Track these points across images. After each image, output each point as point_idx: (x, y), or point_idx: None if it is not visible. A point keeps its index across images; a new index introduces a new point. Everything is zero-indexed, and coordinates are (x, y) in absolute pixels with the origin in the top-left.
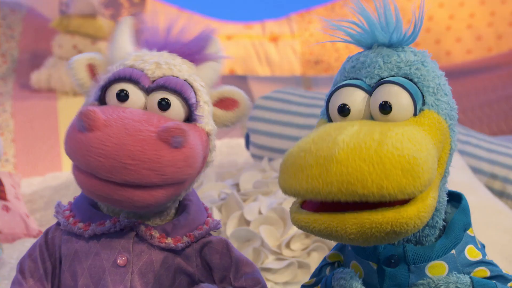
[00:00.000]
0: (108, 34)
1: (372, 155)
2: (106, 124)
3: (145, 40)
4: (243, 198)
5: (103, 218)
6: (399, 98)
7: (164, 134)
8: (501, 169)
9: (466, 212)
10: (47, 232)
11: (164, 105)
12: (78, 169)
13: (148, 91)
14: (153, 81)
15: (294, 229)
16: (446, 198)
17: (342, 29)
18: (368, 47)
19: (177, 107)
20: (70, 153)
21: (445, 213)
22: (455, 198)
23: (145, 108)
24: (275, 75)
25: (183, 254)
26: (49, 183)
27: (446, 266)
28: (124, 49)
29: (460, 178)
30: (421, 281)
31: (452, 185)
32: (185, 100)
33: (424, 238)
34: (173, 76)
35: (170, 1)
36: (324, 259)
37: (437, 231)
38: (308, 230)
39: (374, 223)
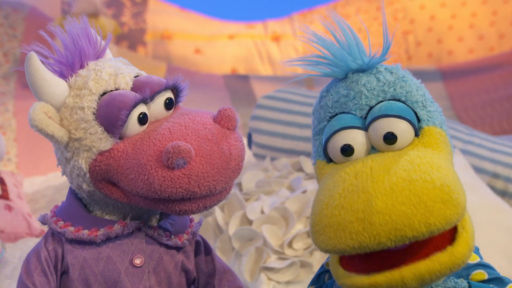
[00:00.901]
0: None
1: (409, 195)
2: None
3: (68, 59)
4: (245, 197)
5: (107, 223)
6: (401, 127)
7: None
8: (503, 169)
9: None
10: (45, 244)
11: (168, 103)
12: (187, 200)
13: (148, 101)
14: (131, 89)
15: (296, 228)
16: None
17: (320, 70)
18: (342, 76)
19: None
20: (178, 192)
21: None
22: None
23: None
24: (277, 75)
25: (185, 252)
26: (51, 182)
27: None
28: (58, 83)
29: (463, 178)
30: None
31: None
32: (176, 89)
33: None
34: (138, 75)
35: (172, 1)
36: (322, 266)
37: None
38: None
39: (433, 272)
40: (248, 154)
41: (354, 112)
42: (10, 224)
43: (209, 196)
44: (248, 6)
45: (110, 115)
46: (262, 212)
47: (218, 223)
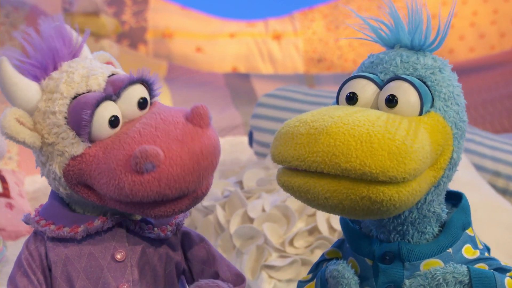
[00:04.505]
0: (111, 32)
1: (363, 133)
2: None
3: (40, 61)
4: (246, 195)
5: (88, 220)
6: (407, 95)
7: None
8: (504, 167)
9: (465, 212)
10: (27, 245)
11: (142, 103)
12: (159, 203)
13: (114, 97)
14: (104, 89)
15: (297, 227)
16: (440, 209)
17: (370, 26)
18: (391, 47)
19: (146, 95)
20: (146, 195)
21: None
22: (455, 198)
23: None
24: (278, 73)
25: (170, 243)
26: None
27: (442, 264)
28: (29, 87)
29: (464, 176)
30: (419, 272)
31: (456, 183)
32: (147, 83)
33: (413, 240)
34: (113, 74)
35: None
36: (322, 255)
37: (428, 236)
38: (288, 187)
39: (351, 184)
40: (249, 153)
41: (378, 74)
42: (11, 222)
43: (182, 198)
44: (249, 5)
45: (77, 118)
46: (263, 210)
47: (219, 221)
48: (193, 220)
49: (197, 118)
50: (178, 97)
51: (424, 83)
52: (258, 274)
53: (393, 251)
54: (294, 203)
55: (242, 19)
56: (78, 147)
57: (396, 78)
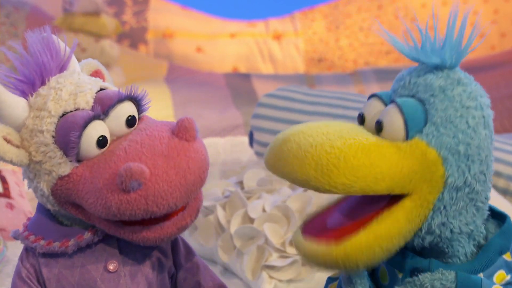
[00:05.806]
0: (111, 32)
1: (307, 144)
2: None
3: (28, 77)
4: (247, 196)
5: (77, 232)
6: (393, 120)
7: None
8: (505, 167)
9: (506, 235)
10: (21, 262)
11: (130, 120)
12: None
13: (102, 117)
14: (92, 108)
15: (297, 227)
16: (459, 230)
17: (393, 42)
18: (416, 61)
19: (135, 112)
20: (133, 214)
21: (487, 231)
22: (501, 218)
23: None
24: (278, 73)
25: (161, 249)
26: None
27: None
28: (17, 104)
29: None
30: (408, 279)
31: None
32: (135, 100)
33: (446, 259)
34: (102, 89)
35: None
36: (328, 278)
37: (462, 258)
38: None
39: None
40: (250, 153)
41: (394, 93)
42: (12, 223)
43: (170, 220)
44: (250, 5)
45: (64, 138)
46: (264, 210)
47: (219, 222)
48: None
49: (182, 132)
50: (179, 98)
51: (424, 105)
52: (259, 275)
53: (424, 267)
54: (294, 203)
55: (243, 19)
56: (65, 167)
57: (393, 101)
